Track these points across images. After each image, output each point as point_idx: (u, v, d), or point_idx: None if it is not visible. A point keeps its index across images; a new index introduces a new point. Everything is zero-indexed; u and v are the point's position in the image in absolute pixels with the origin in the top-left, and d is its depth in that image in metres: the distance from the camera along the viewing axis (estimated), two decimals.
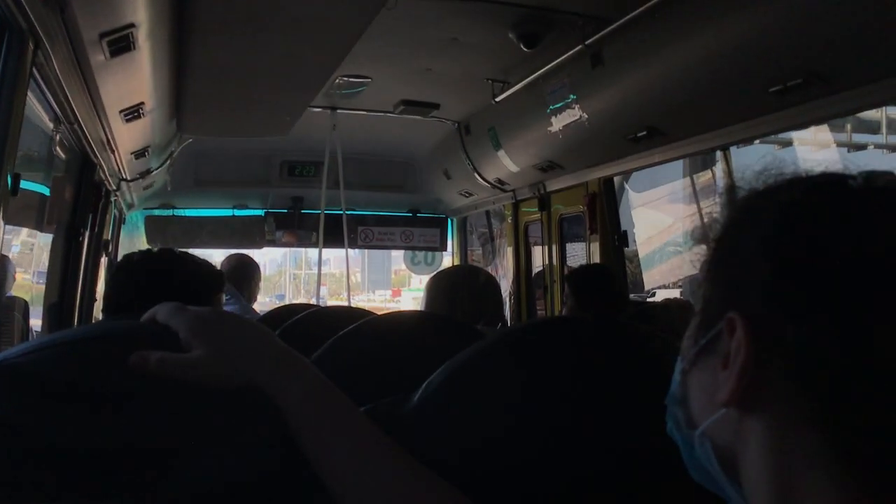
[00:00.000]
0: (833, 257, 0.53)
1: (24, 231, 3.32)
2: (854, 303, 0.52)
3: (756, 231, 0.58)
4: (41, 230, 3.32)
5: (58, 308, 3.32)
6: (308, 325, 2.42)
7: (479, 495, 0.84)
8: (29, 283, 3.56)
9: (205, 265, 1.76)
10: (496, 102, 3.84)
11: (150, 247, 4.85)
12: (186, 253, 1.77)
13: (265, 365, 0.77)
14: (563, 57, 3.12)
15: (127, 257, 1.79)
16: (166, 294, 1.46)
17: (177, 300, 0.85)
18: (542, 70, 3.33)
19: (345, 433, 0.78)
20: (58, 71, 2.04)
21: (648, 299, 6.71)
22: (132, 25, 2.00)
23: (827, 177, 0.60)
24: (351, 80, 3.86)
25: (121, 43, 2.04)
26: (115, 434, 0.74)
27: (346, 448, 0.78)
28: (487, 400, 0.98)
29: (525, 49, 3.11)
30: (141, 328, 0.84)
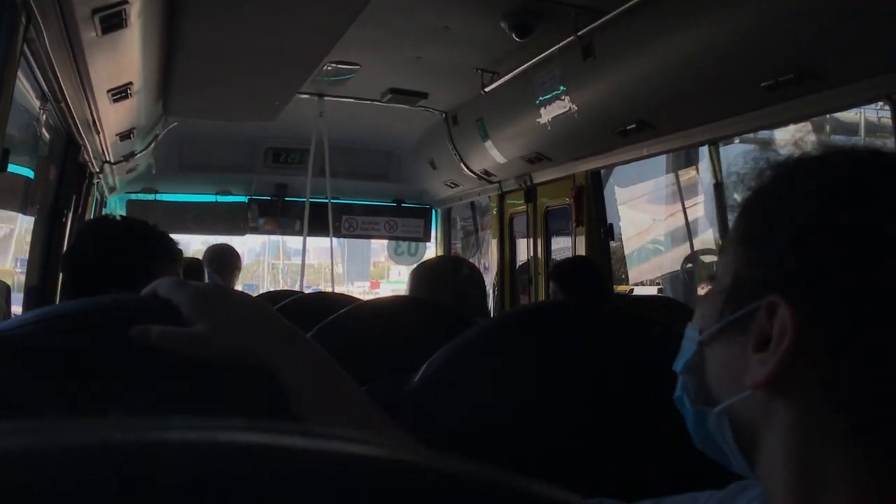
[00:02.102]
0: (890, 252, 0.51)
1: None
2: None
3: (803, 209, 0.56)
4: (24, 213, 3.29)
5: (39, 290, 3.28)
6: (294, 311, 2.42)
7: None
8: (11, 270, 3.52)
9: (164, 235, 1.74)
10: (485, 93, 3.84)
11: None
12: (141, 222, 1.75)
13: (267, 339, 0.77)
14: (554, 48, 3.12)
15: (92, 223, 1.75)
16: (127, 258, 1.48)
17: (142, 266, 0.84)
18: (532, 61, 3.33)
19: (345, 408, 0.78)
20: (48, 47, 2.01)
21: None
22: (125, 2, 1.97)
23: (884, 158, 0.57)
24: (339, 66, 3.84)
25: (113, 20, 2.01)
26: (113, 407, 0.73)
27: (346, 422, 0.77)
28: (487, 381, 0.99)
29: (517, 39, 3.11)
30: (142, 301, 0.83)
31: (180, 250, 1.79)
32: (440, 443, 0.85)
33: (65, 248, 3.41)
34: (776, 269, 0.55)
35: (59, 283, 3.40)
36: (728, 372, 0.59)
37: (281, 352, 0.77)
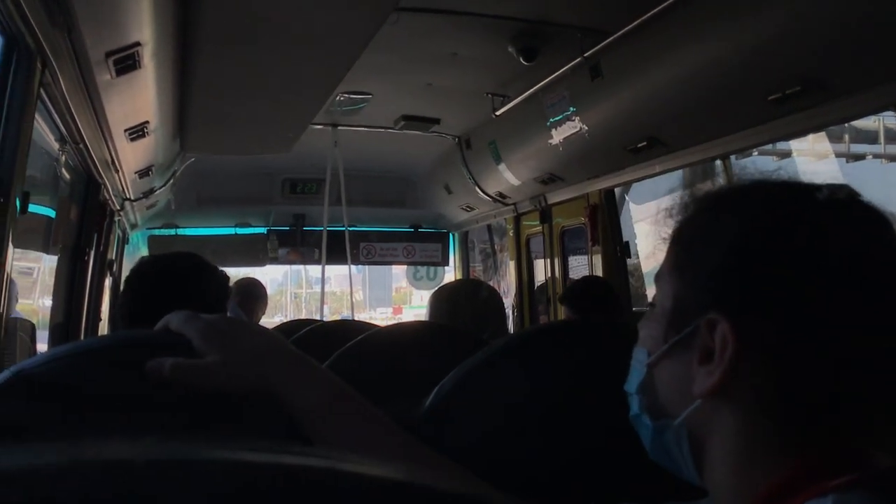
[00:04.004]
0: (804, 267, 0.60)
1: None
2: (823, 308, 0.59)
3: (729, 234, 0.63)
4: (47, 252, 3.34)
5: (63, 328, 3.33)
6: (314, 339, 2.44)
7: None
8: (35, 308, 3.58)
9: (216, 270, 1.77)
10: (496, 116, 3.87)
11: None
12: (197, 257, 1.77)
13: (276, 369, 0.78)
14: (562, 70, 3.15)
15: (140, 265, 1.78)
16: (182, 301, 1.47)
17: (192, 307, 0.86)
18: (541, 83, 3.35)
19: (361, 432, 0.79)
20: (64, 90, 2.06)
21: None
22: (138, 44, 2.02)
23: (794, 188, 0.66)
24: (352, 96, 3.89)
25: (127, 62, 2.06)
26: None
27: (365, 445, 0.78)
28: (497, 402, 1.00)
29: (524, 62, 3.14)
30: (155, 336, 0.85)
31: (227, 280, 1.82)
32: None
33: (87, 285, 3.46)
34: (711, 289, 0.63)
35: (84, 321, 3.45)
36: (678, 386, 0.65)
37: (291, 380, 0.78)
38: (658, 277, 0.70)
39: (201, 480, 0.24)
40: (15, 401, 0.75)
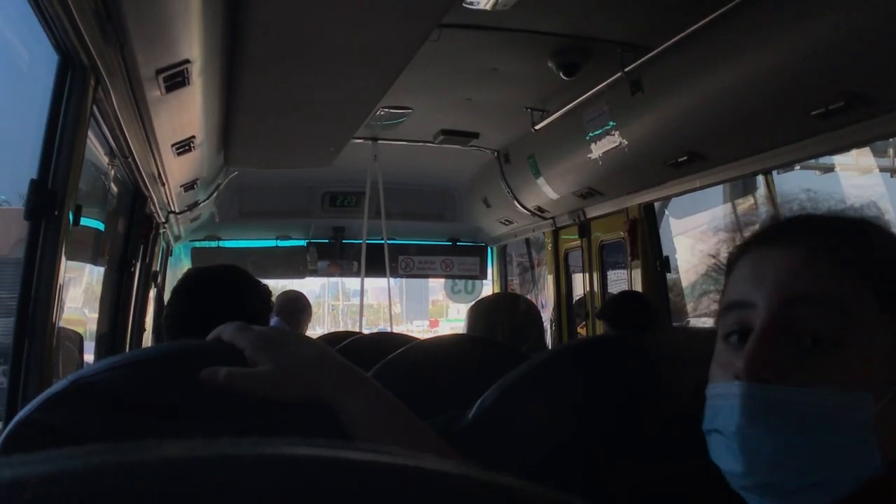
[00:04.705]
0: None
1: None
2: None
3: None
4: (95, 263, 3.40)
5: (109, 338, 3.39)
6: (353, 351, 2.46)
7: None
8: (83, 319, 3.63)
9: (259, 284, 1.81)
10: (535, 130, 3.88)
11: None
12: (240, 270, 1.81)
13: (329, 378, 0.80)
14: (602, 84, 3.15)
15: (185, 277, 1.83)
16: (224, 313, 1.50)
17: (234, 319, 0.89)
18: (581, 98, 3.36)
19: (406, 440, 0.80)
20: (115, 106, 2.11)
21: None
22: (187, 61, 2.08)
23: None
24: (392, 111, 3.92)
25: (176, 78, 2.11)
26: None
27: None
28: (539, 414, 1.01)
29: (564, 77, 3.14)
30: (208, 346, 0.87)
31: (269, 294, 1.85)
32: None
33: (133, 296, 3.53)
34: None
35: (129, 331, 3.51)
36: None
37: (341, 389, 0.80)
38: (852, 318, 0.66)
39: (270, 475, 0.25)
40: (72, 408, 0.77)
